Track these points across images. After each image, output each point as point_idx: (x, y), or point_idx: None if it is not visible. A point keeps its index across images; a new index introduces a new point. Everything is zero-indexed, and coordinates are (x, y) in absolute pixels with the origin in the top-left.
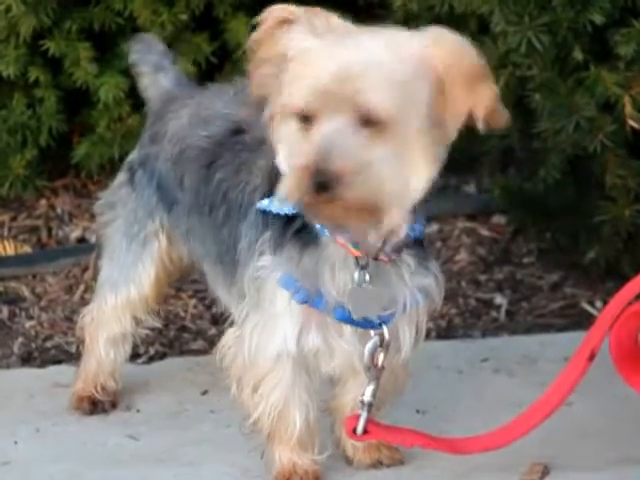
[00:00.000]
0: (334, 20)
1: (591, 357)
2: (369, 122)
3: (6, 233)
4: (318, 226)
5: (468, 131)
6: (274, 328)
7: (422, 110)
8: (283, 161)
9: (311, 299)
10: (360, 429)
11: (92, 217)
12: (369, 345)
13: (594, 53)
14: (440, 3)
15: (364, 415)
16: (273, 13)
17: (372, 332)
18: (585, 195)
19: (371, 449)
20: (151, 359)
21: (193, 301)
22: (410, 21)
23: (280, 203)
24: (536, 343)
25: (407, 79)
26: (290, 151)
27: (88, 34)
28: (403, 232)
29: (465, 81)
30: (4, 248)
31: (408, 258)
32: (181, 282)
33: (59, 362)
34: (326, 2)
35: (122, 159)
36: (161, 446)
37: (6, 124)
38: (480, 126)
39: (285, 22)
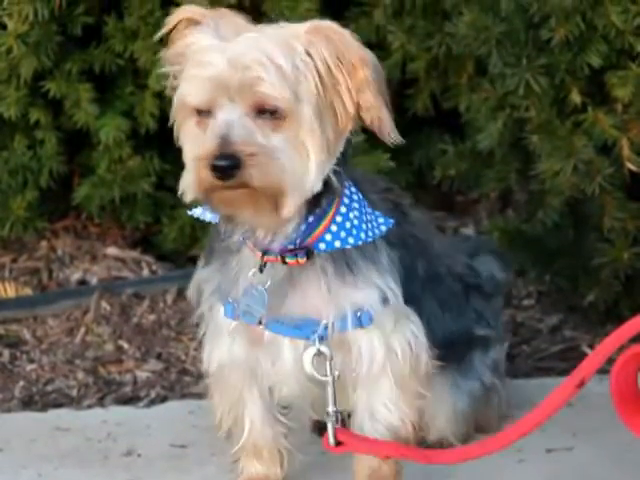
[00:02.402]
0: (239, 21)
1: (580, 384)
2: (264, 111)
3: (7, 275)
4: (237, 235)
5: (466, 173)
6: (213, 340)
7: (312, 100)
8: (186, 158)
9: (236, 313)
10: (331, 440)
11: (93, 259)
12: (306, 354)
13: (592, 95)
14: (438, 44)
15: (330, 426)
16: (180, 13)
17: (317, 343)
18: (584, 237)
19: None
20: (152, 402)
21: (194, 344)
22: (408, 61)
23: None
24: (536, 387)
25: (295, 71)
26: (192, 147)
27: (89, 75)
28: (290, 228)
29: (345, 68)
30: (5, 290)
31: (325, 263)
32: (182, 326)
33: (60, 406)
34: None
35: (122, 200)
36: None
37: (7, 165)
38: (367, 121)
39: (191, 22)
